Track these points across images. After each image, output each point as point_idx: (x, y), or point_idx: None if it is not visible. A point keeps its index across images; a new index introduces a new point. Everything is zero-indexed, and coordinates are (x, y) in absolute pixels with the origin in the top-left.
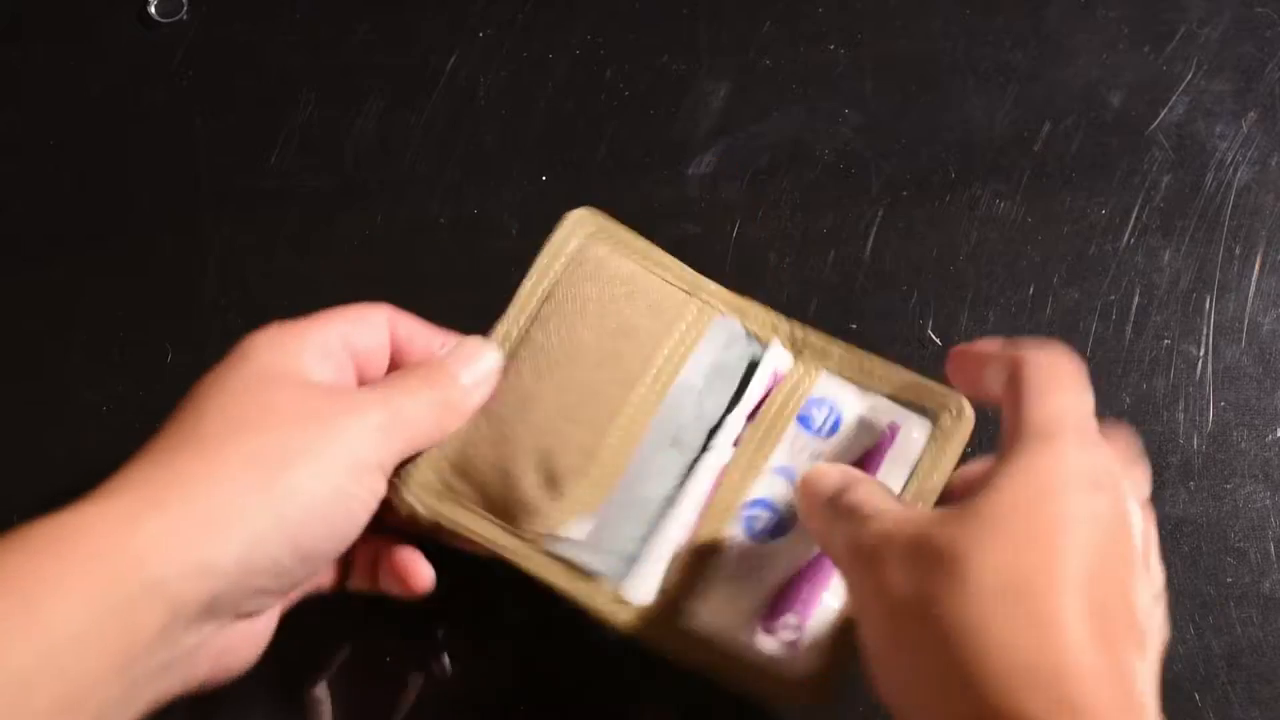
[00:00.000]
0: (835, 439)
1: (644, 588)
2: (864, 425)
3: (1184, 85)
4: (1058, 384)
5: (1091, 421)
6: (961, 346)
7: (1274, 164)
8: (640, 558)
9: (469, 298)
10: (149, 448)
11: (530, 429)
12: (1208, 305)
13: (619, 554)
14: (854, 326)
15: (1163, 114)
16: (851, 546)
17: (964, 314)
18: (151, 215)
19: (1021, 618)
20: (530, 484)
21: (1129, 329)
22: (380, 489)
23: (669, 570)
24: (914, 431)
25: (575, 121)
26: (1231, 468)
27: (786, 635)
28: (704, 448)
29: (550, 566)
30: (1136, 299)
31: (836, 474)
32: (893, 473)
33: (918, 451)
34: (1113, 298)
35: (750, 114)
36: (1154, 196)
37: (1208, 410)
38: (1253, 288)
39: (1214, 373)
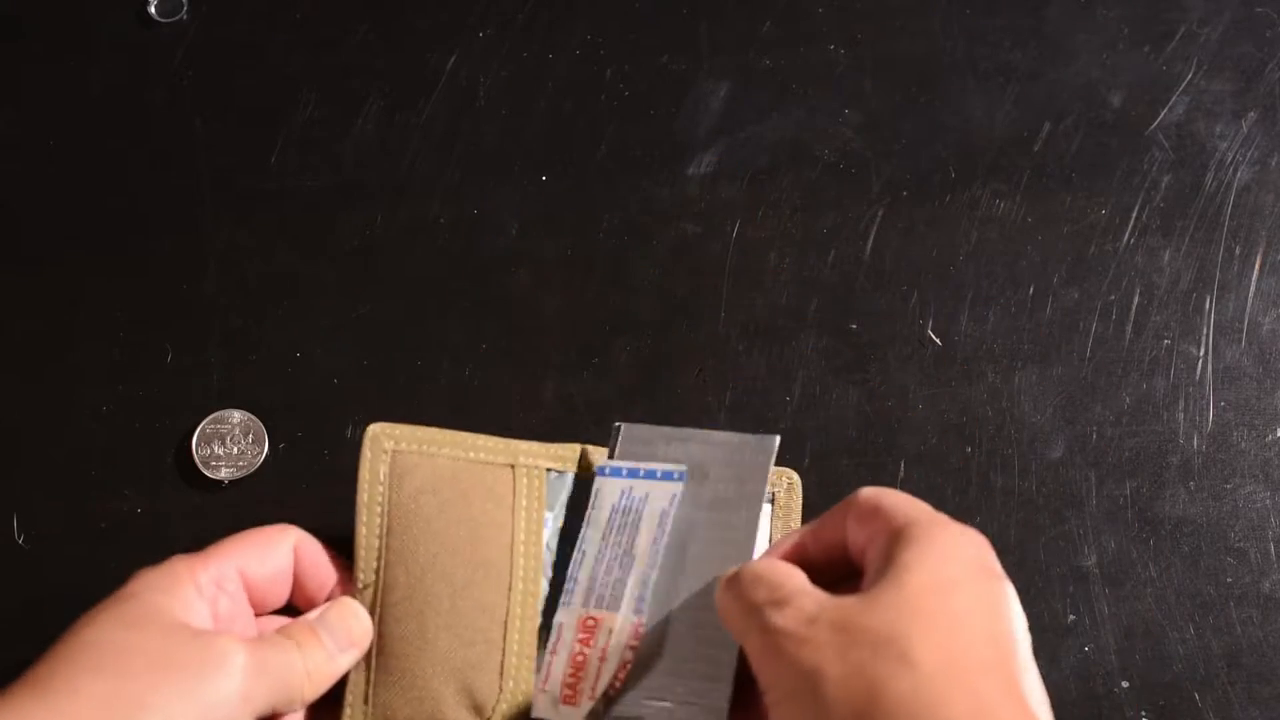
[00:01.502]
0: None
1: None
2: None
3: (1184, 85)
4: (907, 498)
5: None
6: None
7: (1274, 164)
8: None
9: (469, 298)
10: (6, 690)
11: (437, 669)
12: (1208, 305)
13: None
14: (854, 326)
15: (1163, 114)
16: (772, 631)
17: (964, 314)
18: (151, 215)
19: (965, 698)
20: (462, 716)
21: (1129, 329)
22: None
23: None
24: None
25: (575, 121)
26: (1231, 468)
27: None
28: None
29: None
30: (1136, 299)
31: (761, 567)
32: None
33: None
34: (1113, 298)
35: (750, 114)
36: (1154, 196)
37: (1208, 410)
38: (1253, 288)
39: (1214, 373)
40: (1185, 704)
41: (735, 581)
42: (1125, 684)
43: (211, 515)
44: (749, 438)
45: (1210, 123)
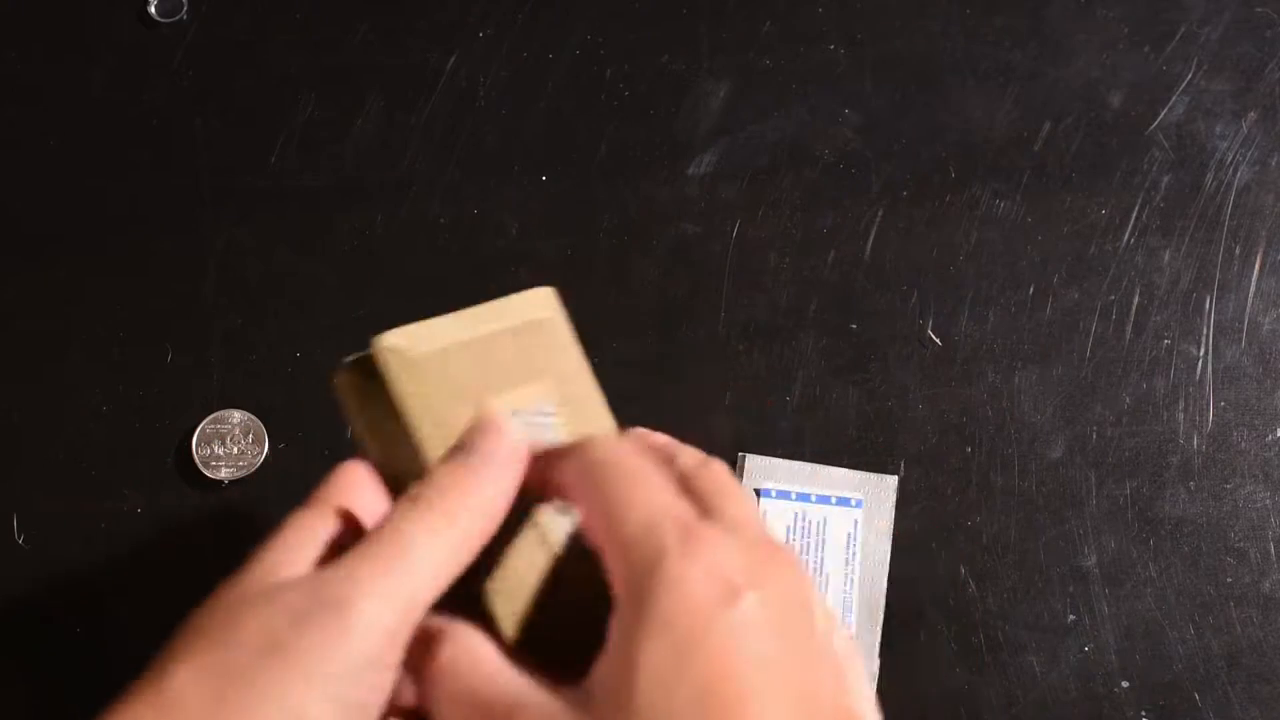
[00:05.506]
0: None
1: None
2: None
3: (1184, 85)
4: (622, 478)
5: (669, 492)
6: (536, 452)
7: (1274, 164)
8: None
9: (469, 298)
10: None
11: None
12: (1208, 305)
13: None
14: (854, 326)
15: (1163, 114)
16: None
17: (964, 314)
18: (151, 215)
19: None
20: None
21: (1129, 329)
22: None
23: None
24: None
25: (575, 121)
26: (1231, 468)
27: None
28: None
29: None
30: (1136, 299)
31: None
32: None
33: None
34: (1113, 298)
35: (750, 114)
36: (1154, 196)
37: (1208, 410)
38: (1253, 288)
39: (1214, 373)
40: (1185, 704)
41: (446, 667)
42: (1125, 684)
43: (211, 515)
44: (871, 476)
45: (1210, 123)
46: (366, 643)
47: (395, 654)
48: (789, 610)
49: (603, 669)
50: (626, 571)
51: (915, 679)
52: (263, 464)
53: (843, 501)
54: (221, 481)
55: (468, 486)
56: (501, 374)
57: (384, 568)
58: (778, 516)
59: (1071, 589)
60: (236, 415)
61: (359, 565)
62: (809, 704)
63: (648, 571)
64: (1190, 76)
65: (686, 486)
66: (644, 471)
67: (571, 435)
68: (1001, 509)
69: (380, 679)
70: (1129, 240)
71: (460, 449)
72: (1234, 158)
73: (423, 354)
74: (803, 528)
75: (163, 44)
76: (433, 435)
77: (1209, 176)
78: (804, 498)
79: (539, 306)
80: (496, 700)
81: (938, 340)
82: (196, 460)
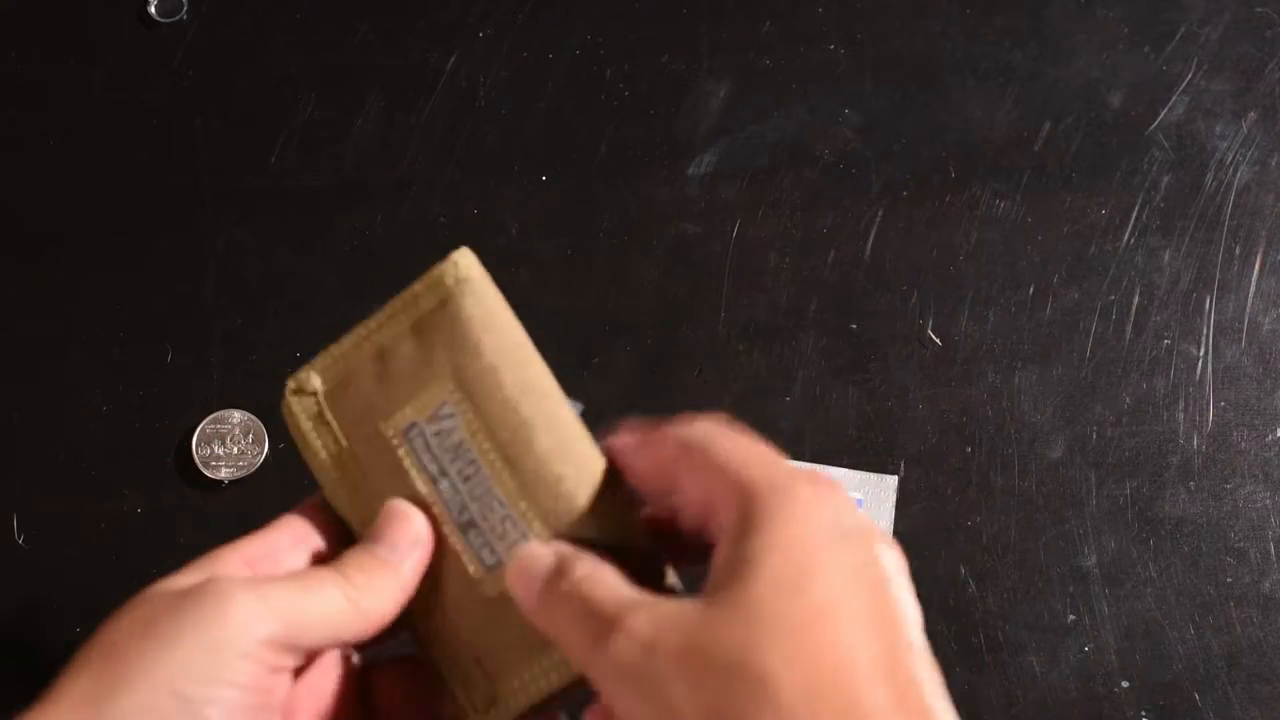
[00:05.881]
0: None
1: None
2: None
3: (1184, 85)
4: (745, 442)
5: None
6: (627, 441)
7: (1274, 164)
8: None
9: None
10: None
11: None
12: (1208, 305)
13: None
14: (854, 326)
15: (1163, 114)
16: (609, 665)
17: (964, 314)
18: (151, 215)
19: None
20: None
21: (1129, 329)
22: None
23: None
24: None
25: (575, 121)
26: (1231, 468)
27: None
28: None
29: None
30: (1136, 299)
31: (548, 556)
32: None
33: None
34: (1113, 298)
35: (750, 114)
36: (1154, 196)
37: (1208, 410)
38: (1253, 288)
39: (1214, 373)
40: (1185, 704)
41: (549, 602)
42: (1125, 684)
43: (211, 515)
44: (871, 476)
45: (1210, 123)
46: (239, 635)
47: (265, 665)
48: (883, 574)
49: (720, 575)
50: (750, 500)
51: None
52: (263, 464)
53: None
54: (221, 481)
55: (374, 571)
56: (400, 386)
57: (281, 588)
58: None
59: (1071, 589)
60: (236, 415)
61: (259, 579)
62: (889, 662)
63: (778, 501)
64: (1190, 76)
65: None
66: (747, 437)
67: (482, 428)
68: (1001, 509)
69: (249, 679)
70: (1129, 240)
71: (370, 538)
72: (1234, 158)
73: (323, 391)
74: None
75: (163, 44)
76: (334, 479)
77: (1209, 176)
78: None
79: (443, 283)
80: (610, 600)
81: (938, 340)
82: (196, 460)
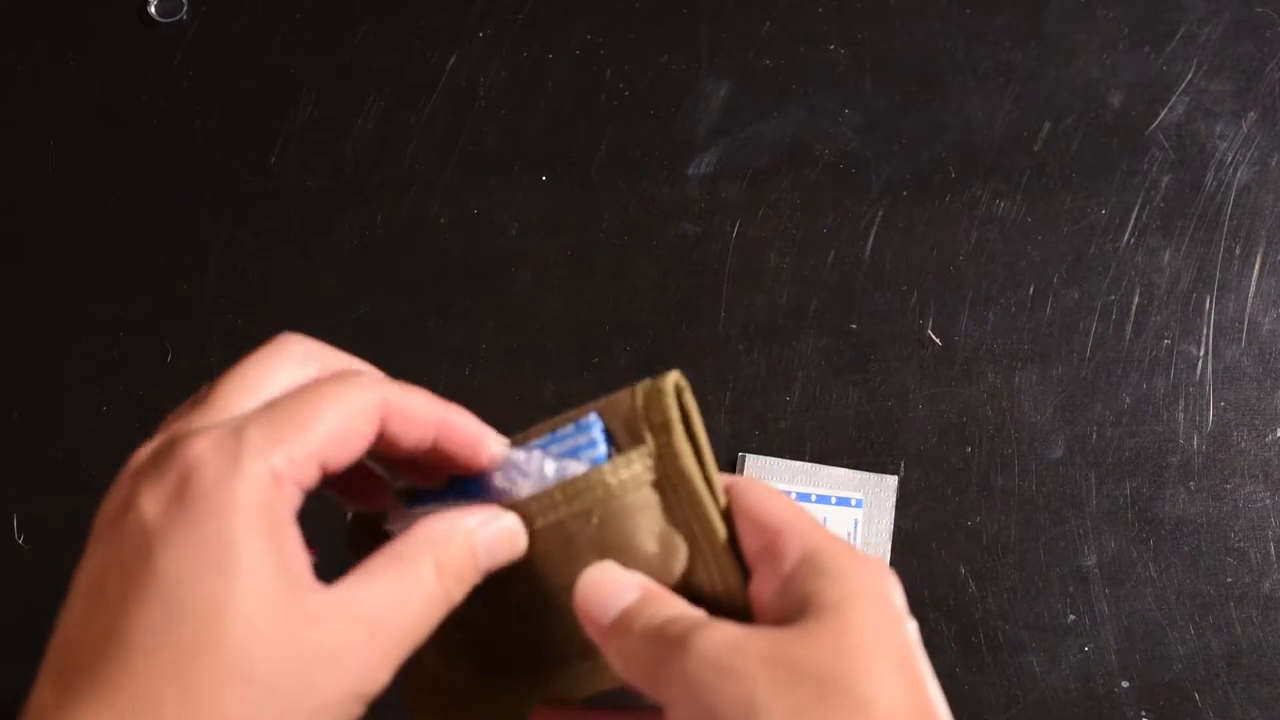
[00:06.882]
0: None
1: None
2: None
3: (1184, 85)
4: (785, 503)
5: None
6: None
7: (1274, 164)
8: None
9: (469, 298)
10: (116, 697)
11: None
12: (1208, 305)
13: None
14: (854, 326)
15: (1163, 114)
16: (693, 658)
17: (964, 314)
18: (151, 215)
19: None
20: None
21: (1129, 329)
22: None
23: None
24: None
25: (575, 121)
26: (1231, 468)
27: None
28: None
29: None
30: (1136, 299)
31: (633, 589)
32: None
33: None
34: (1113, 298)
35: (750, 114)
36: (1154, 196)
37: (1208, 410)
38: (1253, 288)
39: (1214, 373)
40: (1185, 704)
41: (632, 612)
42: (1125, 684)
43: None
44: (871, 476)
45: (1210, 123)
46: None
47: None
48: (920, 652)
49: (791, 607)
50: (817, 549)
51: None
52: None
53: (843, 501)
54: None
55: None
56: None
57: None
58: None
59: (1071, 589)
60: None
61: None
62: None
63: (851, 556)
64: (1190, 76)
65: None
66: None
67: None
68: (1001, 509)
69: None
70: (1129, 240)
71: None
72: (1234, 158)
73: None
74: None
75: (163, 44)
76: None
77: (1209, 176)
78: (804, 498)
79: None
80: (681, 618)
81: (938, 340)
82: None
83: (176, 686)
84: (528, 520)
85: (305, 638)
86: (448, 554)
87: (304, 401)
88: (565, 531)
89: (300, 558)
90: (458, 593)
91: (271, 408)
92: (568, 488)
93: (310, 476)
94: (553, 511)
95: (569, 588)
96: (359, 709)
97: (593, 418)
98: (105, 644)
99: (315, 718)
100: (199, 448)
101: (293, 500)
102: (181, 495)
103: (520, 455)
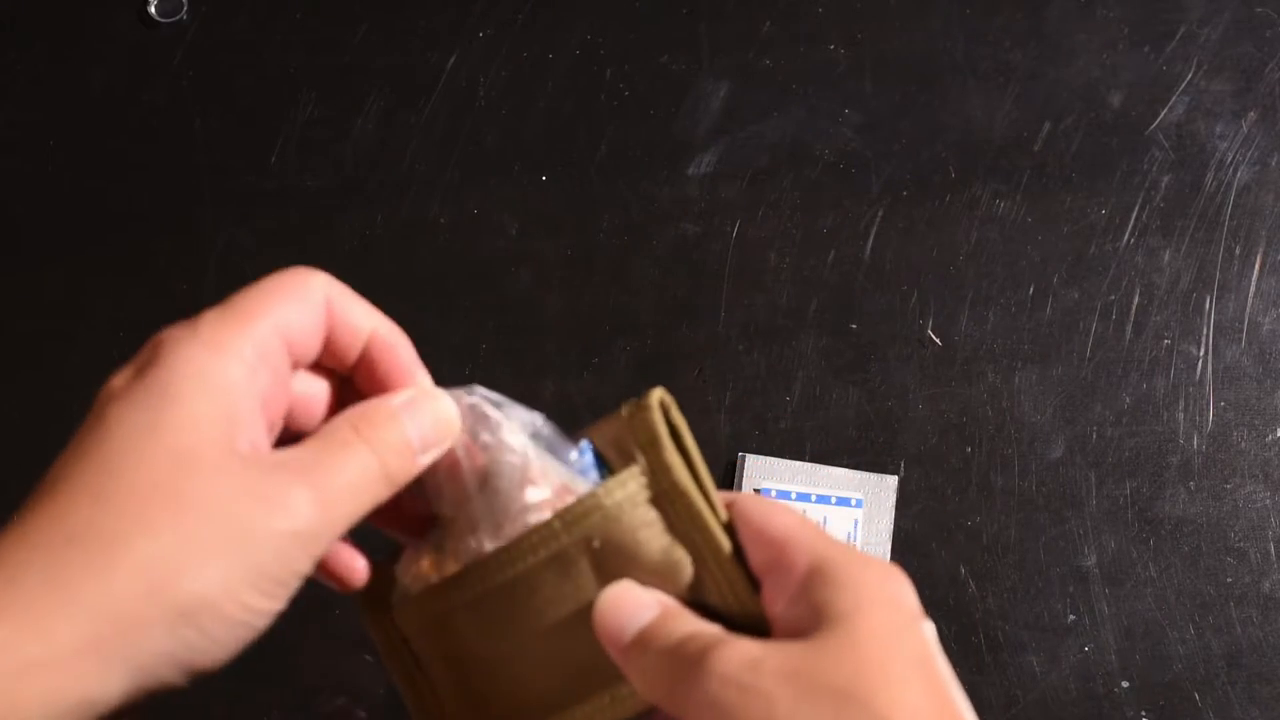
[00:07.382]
0: None
1: None
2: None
3: (1184, 85)
4: (793, 517)
5: None
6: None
7: (1274, 164)
8: None
9: (469, 298)
10: (34, 520)
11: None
12: (1208, 305)
13: None
14: (854, 326)
15: (1163, 114)
16: (711, 677)
17: (964, 314)
18: (151, 215)
19: None
20: None
21: (1129, 329)
22: (295, 584)
23: None
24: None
25: (575, 121)
26: (1231, 468)
27: None
28: None
29: None
30: (1136, 299)
31: (652, 606)
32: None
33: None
34: (1113, 298)
35: (750, 114)
36: (1154, 196)
37: (1208, 410)
38: (1253, 288)
39: (1214, 373)
40: (1185, 704)
41: (651, 630)
42: (1125, 684)
43: None
44: (871, 476)
45: (1210, 123)
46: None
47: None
48: (938, 653)
49: (803, 621)
50: (826, 561)
51: None
52: None
53: (843, 501)
54: None
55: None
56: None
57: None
58: None
59: (1071, 589)
60: None
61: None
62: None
63: (859, 565)
64: (1190, 76)
65: None
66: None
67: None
68: (1001, 509)
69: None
70: (1129, 240)
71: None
72: (1234, 158)
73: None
74: None
75: (163, 44)
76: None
77: (1209, 176)
78: (804, 498)
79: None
80: (698, 635)
81: (938, 340)
82: None
83: (90, 500)
84: (530, 551)
85: (237, 474)
86: (366, 422)
87: (257, 288)
88: (568, 560)
89: (250, 421)
90: (393, 462)
91: (229, 299)
92: (565, 515)
93: (274, 351)
94: (554, 541)
95: (579, 616)
96: (303, 560)
97: (584, 445)
98: (42, 484)
99: (244, 549)
100: (163, 334)
101: (255, 374)
102: (143, 370)
103: (492, 413)
